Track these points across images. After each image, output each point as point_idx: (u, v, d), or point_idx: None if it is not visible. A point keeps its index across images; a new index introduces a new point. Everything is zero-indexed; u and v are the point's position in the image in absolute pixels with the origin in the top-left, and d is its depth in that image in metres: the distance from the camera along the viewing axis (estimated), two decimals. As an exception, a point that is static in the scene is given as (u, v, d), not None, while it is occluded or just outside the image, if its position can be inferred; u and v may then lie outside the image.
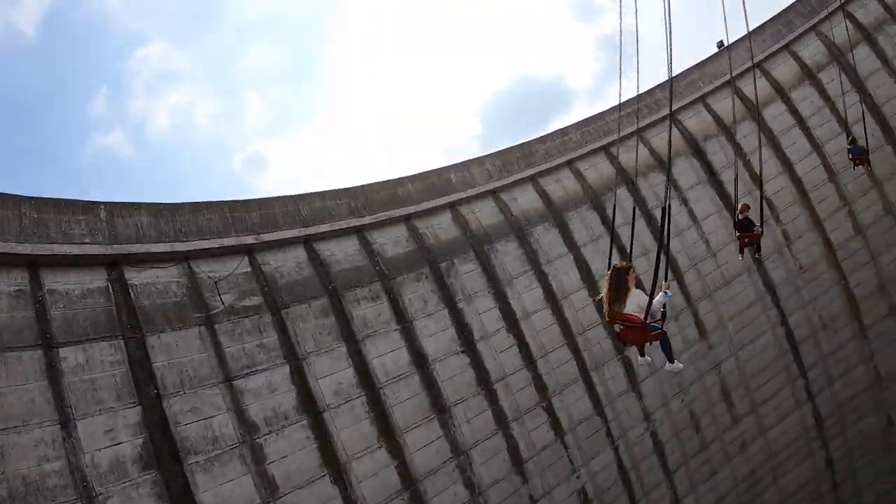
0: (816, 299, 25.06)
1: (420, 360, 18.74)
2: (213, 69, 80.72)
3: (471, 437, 18.83)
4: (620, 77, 11.99)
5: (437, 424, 18.45)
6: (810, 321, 24.97)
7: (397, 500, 17.24)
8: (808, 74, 26.01)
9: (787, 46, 26.38)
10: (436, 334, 19.24)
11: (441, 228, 20.82)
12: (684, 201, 24.21)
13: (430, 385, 18.66)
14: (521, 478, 19.54)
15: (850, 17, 26.34)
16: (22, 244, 13.99)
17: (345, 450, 16.77)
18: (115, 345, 14.63)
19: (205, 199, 17.52)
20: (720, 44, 26.95)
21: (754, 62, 25.41)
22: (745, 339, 24.16)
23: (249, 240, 17.58)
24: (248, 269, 17.46)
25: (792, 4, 26.95)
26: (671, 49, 9.56)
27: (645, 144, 24.65)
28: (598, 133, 24.33)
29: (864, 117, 21.18)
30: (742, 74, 25.30)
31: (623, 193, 23.48)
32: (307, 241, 18.59)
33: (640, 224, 23.00)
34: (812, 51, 26.30)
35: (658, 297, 8.57)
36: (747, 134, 24.98)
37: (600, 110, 24.94)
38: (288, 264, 18.12)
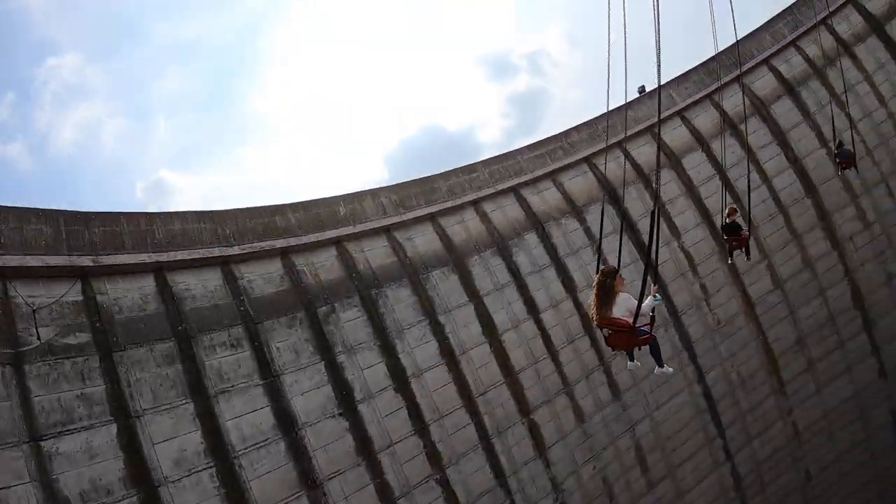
0: (734, 355, 23.78)
1: (287, 423, 15.80)
2: (125, 89, 77.82)
3: (347, 519, 15.95)
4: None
5: (308, 503, 15.49)
6: (728, 378, 23.66)
7: None
8: (730, 124, 24.86)
9: (708, 95, 25.31)
10: (308, 392, 16.37)
11: (323, 267, 18.15)
12: (598, 250, 22.39)
13: (299, 454, 15.72)
14: (406, 567, 16.74)
15: (773, 69, 25.84)
16: None
17: (184, 535, 13.64)
18: None
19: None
20: (641, 89, 25.62)
21: (677, 110, 24.68)
22: (661, 398, 22.41)
23: (85, 261, 14.50)
24: (80, 297, 14.32)
25: (716, 55, 25.90)
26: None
27: (559, 188, 22.86)
28: (508, 172, 22.36)
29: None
30: (665, 120, 24.34)
31: (532, 239, 21.66)
32: (158, 270, 15.62)
33: (551, 272, 21.48)
34: (734, 102, 25.16)
35: (647, 301, 8.55)
36: (667, 182, 23.75)
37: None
38: (131, 296, 15.04)
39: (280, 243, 17.63)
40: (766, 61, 25.82)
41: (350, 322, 17.79)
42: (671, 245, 23.13)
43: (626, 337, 8.89)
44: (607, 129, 21.80)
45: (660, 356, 9.78)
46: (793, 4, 26.21)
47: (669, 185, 23.75)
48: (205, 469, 14.33)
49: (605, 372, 21.47)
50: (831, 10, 26.13)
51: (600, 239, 11.53)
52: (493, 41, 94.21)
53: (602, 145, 23.68)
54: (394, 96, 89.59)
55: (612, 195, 23.25)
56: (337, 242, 18.66)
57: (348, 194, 19.61)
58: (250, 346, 16.01)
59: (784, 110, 25.15)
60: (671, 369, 10.32)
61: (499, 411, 19.29)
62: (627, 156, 23.98)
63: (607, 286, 8.93)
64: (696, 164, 24.24)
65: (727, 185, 23.49)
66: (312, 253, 18.16)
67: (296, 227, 18.12)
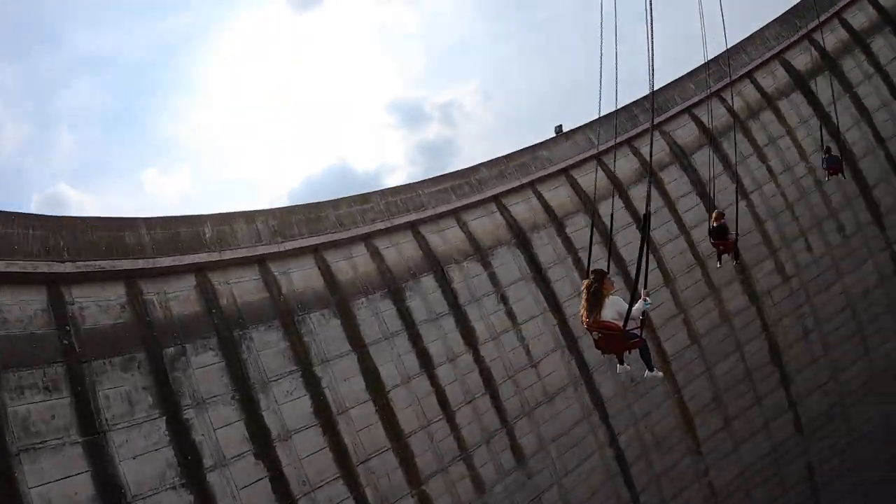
0: (649, 415, 22.11)
1: (112, 495, 12.49)
2: (32, 93, 72.67)
3: None
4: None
5: None
6: (642, 439, 21.95)
7: None
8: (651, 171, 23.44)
9: (627, 142, 23.95)
10: (143, 455, 13.15)
11: (177, 298, 15.12)
12: (503, 299, 20.37)
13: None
14: None
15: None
16: None
17: None
18: None
19: None
20: (558, 129, 24.04)
21: (595, 153, 22.98)
22: (570, 463, 20.32)
23: None
24: None
25: (635, 100, 24.65)
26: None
27: (462, 228, 20.70)
28: (407, 206, 20.02)
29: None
30: (581, 163, 23.00)
31: (430, 282, 19.39)
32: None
33: (449, 321, 19.28)
34: (655, 148, 23.87)
35: (637, 305, 8.54)
36: (579, 228, 22.10)
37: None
38: None
39: (126, 264, 14.49)
40: (687, 110, 24.69)
41: (204, 368, 14.76)
42: (583, 296, 21.24)
43: (616, 340, 9.00)
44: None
45: (650, 360, 9.89)
46: (719, 55, 25.32)
47: (583, 232, 21.93)
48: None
49: (507, 434, 19.18)
50: (756, 63, 25.40)
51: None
52: (408, 88, 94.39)
53: (514, 183, 21.81)
54: (304, 133, 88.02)
55: (520, 238, 21.25)
56: (198, 270, 15.72)
57: (218, 214, 16.73)
58: (70, 390, 12.71)
59: (705, 160, 23.92)
60: (661, 373, 10.53)
61: (384, 482, 16.53)
62: (539, 197, 22.15)
63: (596, 289, 8.99)
64: (612, 211, 22.57)
65: (646, 234, 22.27)
66: (166, 280, 15.12)
67: (149, 246, 15.06)
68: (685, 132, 24.36)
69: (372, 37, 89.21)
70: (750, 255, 23.75)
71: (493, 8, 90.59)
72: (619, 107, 23.75)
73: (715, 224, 16.58)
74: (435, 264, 19.60)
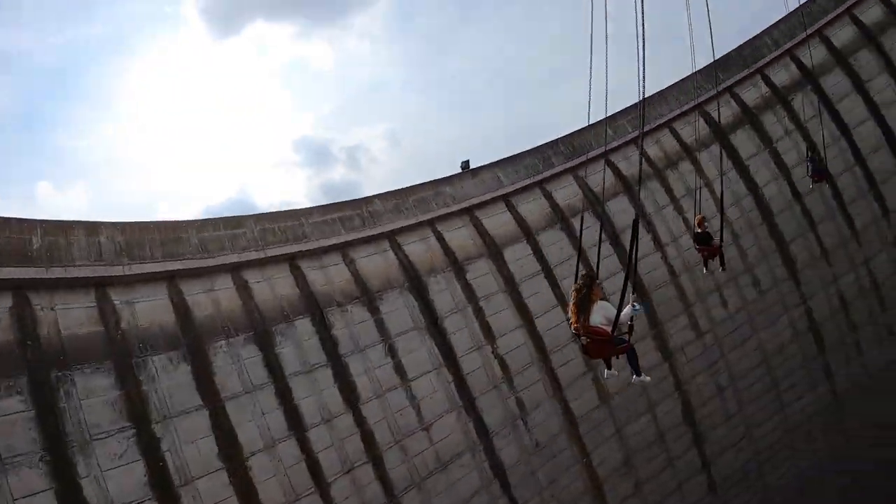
0: (555, 482, 20.00)
1: None
2: None
3: None
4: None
5: None
6: None
7: None
8: (562, 217, 21.78)
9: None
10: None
11: (-21, 327, 12.18)
12: (391, 350, 18.04)
13: None
14: None
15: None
16: None
17: None
18: None
19: None
20: (464, 164, 22.22)
21: (503, 193, 21.52)
22: (466, 534, 18.02)
23: None
24: None
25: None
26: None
27: (349, 266, 18.29)
28: (287, 236, 17.56)
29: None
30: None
31: (306, 326, 16.87)
32: None
33: (326, 374, 16.72)
34: (566, 193, 22.48)
35: (626, 310, 8.52)
36: (482, 274, 20.07)
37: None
38: None
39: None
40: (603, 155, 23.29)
41: (6, 418, 11.79)
42: (483, 350, 19.34)
43: (604, 345, 9.04)
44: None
45: (637, 365, 9.92)
46: (637, 103, 24.12)
47: (485, 279, 20.00)
48: None
49: (391, 511, 16.64)
50: (675, 113, 24.44)
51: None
52: (318, 127, 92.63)
53: (411, 220, 19.70)
54: (209, 161, 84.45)
55: (414, 282, 19.04)
56: (15, 288, 12.81)
57: (52, 221, 13.90)
58: None
59: (619, 208, 22.60)
60: (649, 378, 10.62)
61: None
62: (439, 237, 20.05)
63: (584, 294, 9.01)
64: (519, 257, 20.83)
65: (553, 284, 20.99)
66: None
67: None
68: (600, 178, 22.88)
69: (287, 71, 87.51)
70: (663, 309, 22.51)
71: (408, 55, 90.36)
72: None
73: (698, 230, 16.29)
74: (313, 306, 17.09)
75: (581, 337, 9.13)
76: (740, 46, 25.71)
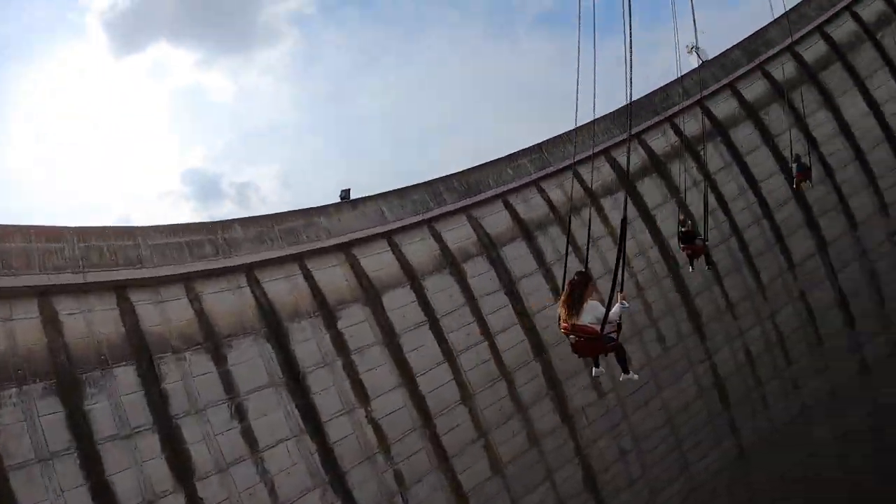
0: None
1: None
2: None
3: None
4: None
5: None
6: None
7: None
8: (452, 262, 19.58)
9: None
10: None
11: None
12: (240, 412, 15.00)
13: None
14: None
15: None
16: None
17: None
18: None
19: None
20: (344, 194, 20.02)
21: (386, 231, 18.76)
22: None
23: None
24: None
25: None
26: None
27: (193, 303, 15.26)
28: (116, 258, 14.64)
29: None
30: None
31: (128, 376, 13.59)
32: None
33: (152, 442, 13.45)
34: (458, 234, 20.50)
35: (615, 309, 8.75)
36: (356, 322, 17.47)
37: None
38: None
39: None
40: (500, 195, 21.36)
41: None
42: (354, 414, 16.81)
43: (593, 344, 9.06)
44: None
45: (626, 362, 10.12)
46: (542, 143, 23.00)
47: (360, 327, 17.45)
48: None
49: None
50: (581, 157, 22.79)
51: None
52: (209, 160, 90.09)
53: (276, 253, 17.05)
54: (94, 183, 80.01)
55: (273, 327, 16.17)
56: None
57: None
58: None
59: (516, 254, 20.64)
60: (637, 376, 10.64)
61: None
62: (308, 276, 17.29)
63: (577, 294, 9.06)
64: (401, 304, 18.31)
65: (439, 336, 18.55)
66: None
67: None
68: (497, 219, 20.93)
69: (185, 97, 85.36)
70: (563, 366, 20.62)
71: (308, 96, 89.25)
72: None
73: (682, 229, 16.58)
74: (141, 350, 13.98)
75: (570, 336, 9.08)
76: (652, 93, 24.84)
